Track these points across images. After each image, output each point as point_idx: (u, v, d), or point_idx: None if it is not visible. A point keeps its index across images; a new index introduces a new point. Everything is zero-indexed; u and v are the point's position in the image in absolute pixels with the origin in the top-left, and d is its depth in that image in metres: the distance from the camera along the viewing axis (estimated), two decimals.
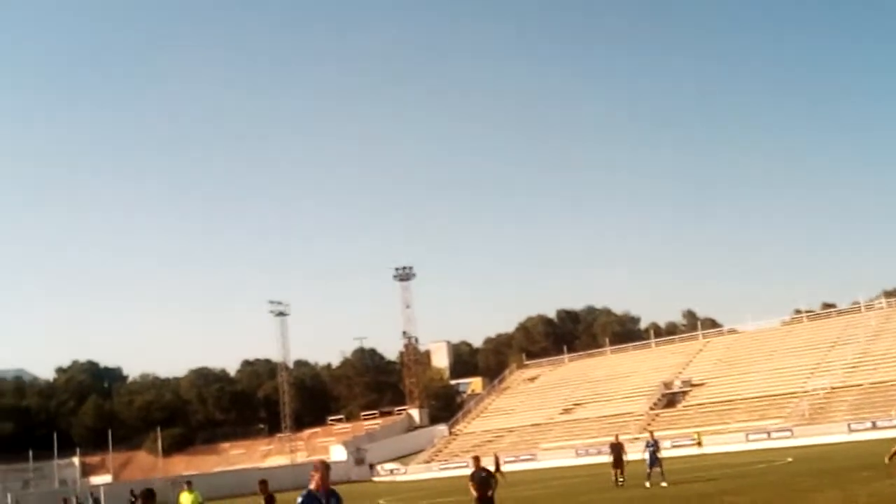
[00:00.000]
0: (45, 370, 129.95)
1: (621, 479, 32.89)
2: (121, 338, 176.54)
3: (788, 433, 60.59)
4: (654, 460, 31.19)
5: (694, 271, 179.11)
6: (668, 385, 78.88)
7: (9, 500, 57.18)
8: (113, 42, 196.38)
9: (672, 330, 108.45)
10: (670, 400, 77.40)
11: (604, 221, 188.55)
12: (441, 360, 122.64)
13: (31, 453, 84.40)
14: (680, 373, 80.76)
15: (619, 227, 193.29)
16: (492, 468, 23.83)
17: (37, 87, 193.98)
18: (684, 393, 77.07)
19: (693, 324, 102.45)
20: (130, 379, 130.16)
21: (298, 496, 9.10)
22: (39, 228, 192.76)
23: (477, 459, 19.63)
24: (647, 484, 30.44)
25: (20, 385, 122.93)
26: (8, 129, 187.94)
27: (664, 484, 30.06)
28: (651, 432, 36.56)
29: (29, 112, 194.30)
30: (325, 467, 9.45)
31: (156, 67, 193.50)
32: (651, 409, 76.45)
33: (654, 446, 31.65)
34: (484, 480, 18.77)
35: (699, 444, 60.67)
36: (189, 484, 22.93)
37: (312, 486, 9.22)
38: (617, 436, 38.40)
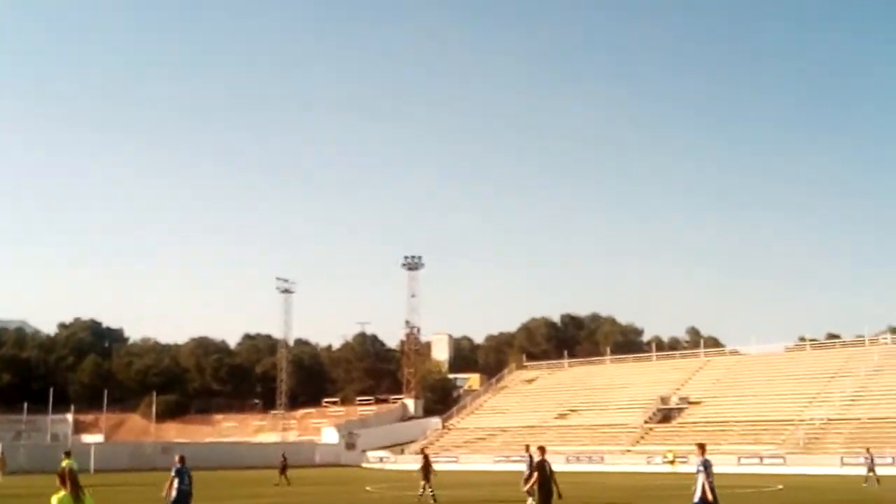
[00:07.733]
0: (46, 325, 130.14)
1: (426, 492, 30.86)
2: (125, 300, 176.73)
3: (781, 460, 60.27)
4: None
5: (702, 290, 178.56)
6: (665, 400, 78.69)
7: None
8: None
9: (674, 345, 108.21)
10: (665, 415, 77.18)
11: (616, 231, 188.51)
12: (441, 353, 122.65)
13: (26, 405, 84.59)
14: (678, 389, 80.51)
15: (630, 239, 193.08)
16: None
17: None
18: (680, 410, 76.86)
19: (696, 341, 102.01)
20: (131, 341, 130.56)
21: None
22: (48, 180, 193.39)
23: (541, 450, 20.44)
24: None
25: (21, 336, 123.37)
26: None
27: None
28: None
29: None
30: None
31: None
32: (646, 422, 76.29)
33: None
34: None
35: (672, 462, 60.77)
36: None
37: None
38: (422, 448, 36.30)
